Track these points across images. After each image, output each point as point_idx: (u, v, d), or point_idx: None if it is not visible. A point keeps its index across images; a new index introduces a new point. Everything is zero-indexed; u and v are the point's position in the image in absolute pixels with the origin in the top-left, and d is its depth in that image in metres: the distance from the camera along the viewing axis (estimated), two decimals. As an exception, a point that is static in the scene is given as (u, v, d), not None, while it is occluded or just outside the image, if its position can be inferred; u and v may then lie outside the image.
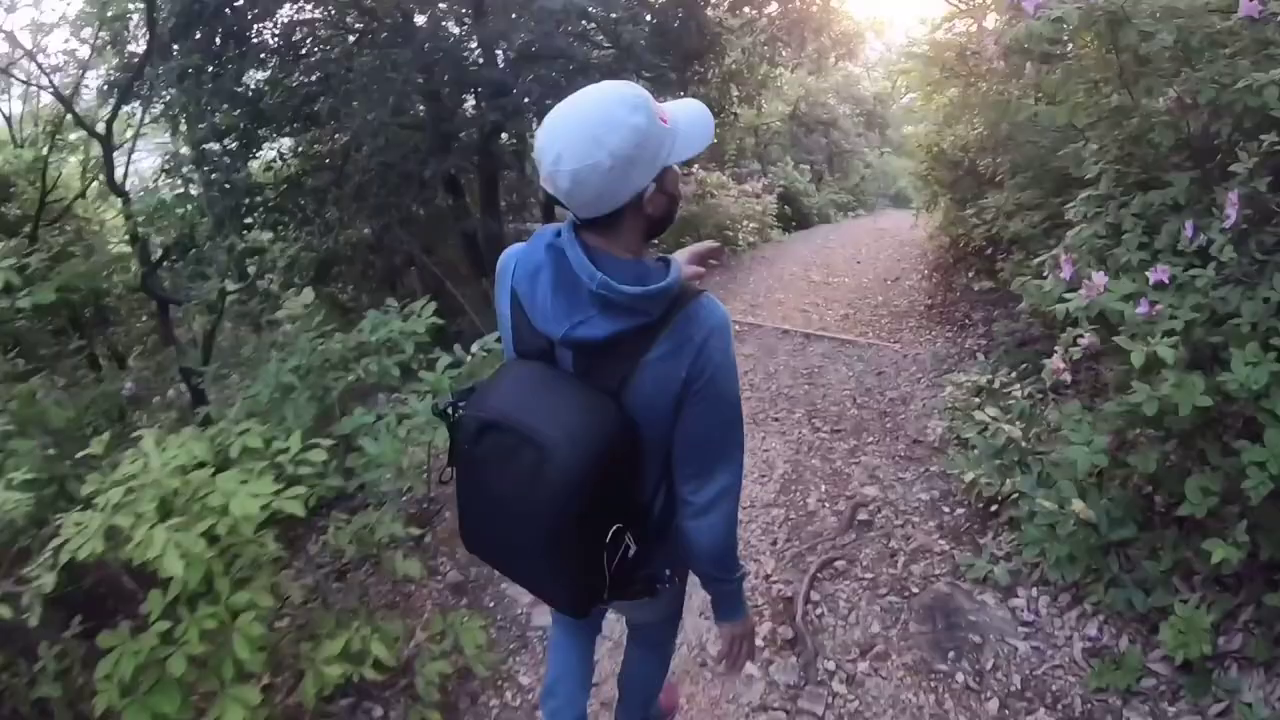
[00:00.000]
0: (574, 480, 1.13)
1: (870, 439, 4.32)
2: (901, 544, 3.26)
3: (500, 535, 1.30)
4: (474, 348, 3.24)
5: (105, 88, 7.66)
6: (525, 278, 1.23)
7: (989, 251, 6.27)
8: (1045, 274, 2.88)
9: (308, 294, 3.32)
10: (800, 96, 17.30)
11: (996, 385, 4.06)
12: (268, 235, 8.09)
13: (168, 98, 7.44)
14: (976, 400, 4.09)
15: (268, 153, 8.54)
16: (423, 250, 8.49)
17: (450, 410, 1.30)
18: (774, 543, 3.38)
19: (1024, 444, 3.26)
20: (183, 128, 7.95)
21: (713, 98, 9.35)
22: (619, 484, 1.21)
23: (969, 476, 3.31)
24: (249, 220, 7.57)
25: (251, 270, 6.26)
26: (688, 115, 1.22)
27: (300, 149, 8.83)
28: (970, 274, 6.75)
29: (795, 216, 14.32)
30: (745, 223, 10.90)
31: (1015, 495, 3.09)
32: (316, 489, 2.22)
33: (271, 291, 6.23)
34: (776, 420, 4.67)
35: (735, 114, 9.98)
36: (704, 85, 9.29)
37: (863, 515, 3.48)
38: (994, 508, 3.29)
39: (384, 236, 8.11)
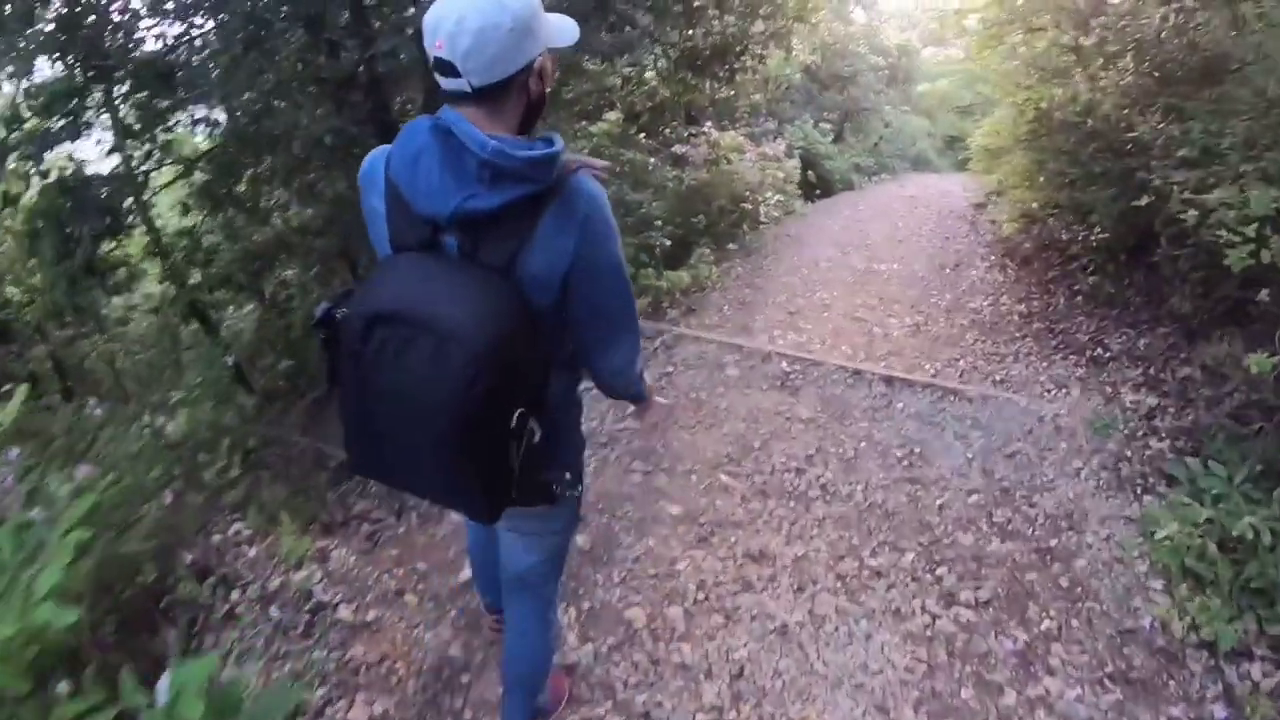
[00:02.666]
0: (480, 361, 1.11)
1: (1042, 623, 2.63)
2: None
3: (399, 443, 1.23)
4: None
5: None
6: (404, 165, 1.21)
7: (1133, 249, 4.62)
8: None
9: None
10: (819, 47, 15.36)
11: (1252, 534, 2.47)
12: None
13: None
14: (1214, 547, 2.52)
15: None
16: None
17: (328, 316, 1.25)
18: None
19: None
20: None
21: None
22: (520, 364, 1.20)
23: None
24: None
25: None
26: (555, 16, 1.25)
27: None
28: (1089, 276, 5.09)
29: (818, 182, 12.54)
30: (768, 193, 9.14)
31: None
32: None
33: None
34: (878, 576, 2.83)
35: (760, 57, 8.10)
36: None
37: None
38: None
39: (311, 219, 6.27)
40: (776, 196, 9.28)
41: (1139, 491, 3.29)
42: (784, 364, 4.51)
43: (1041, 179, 5.53)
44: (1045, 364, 4.58)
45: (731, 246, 8.12)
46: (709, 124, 8.72)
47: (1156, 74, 3.85)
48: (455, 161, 1.17)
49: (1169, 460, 3.41)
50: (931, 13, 19.04)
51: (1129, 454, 3.53)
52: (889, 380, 4.34)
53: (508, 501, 1.27)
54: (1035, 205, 6.03)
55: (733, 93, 8.45)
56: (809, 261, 7.51)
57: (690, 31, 7.27)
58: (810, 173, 11.83)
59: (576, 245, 1.21)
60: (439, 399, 1.12)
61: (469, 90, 1.16)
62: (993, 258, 7.41)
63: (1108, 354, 4.47)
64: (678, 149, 8.95)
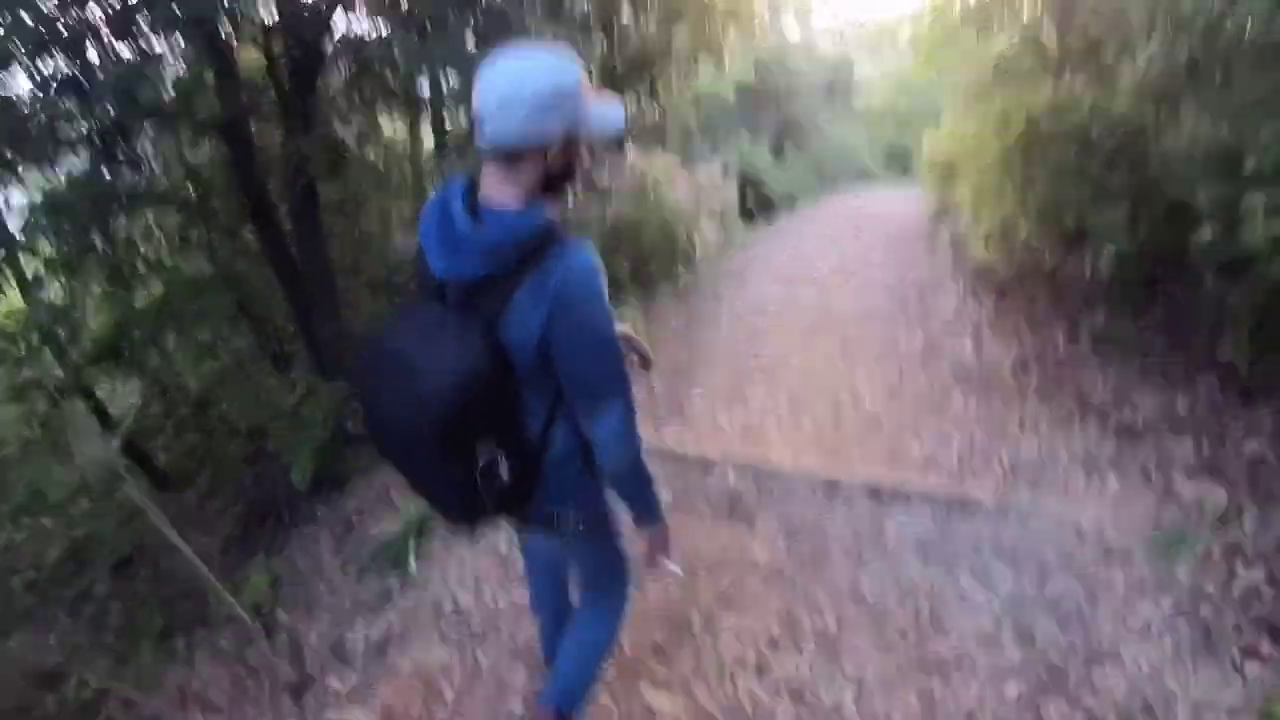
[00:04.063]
0: (440, 402, 1.27)
1: None
2: None
3: (397, 448, 1.42)
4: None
5: None
6: (424, 224, 1.39)
7: (1150, 278, 3.69)
8: None
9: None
10: (756, 62, 14.57)
11: None
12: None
13: None
14: None
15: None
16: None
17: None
18: None
19: None
20: None
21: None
22: (488, 413, 1.34)
23: None
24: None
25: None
26: (606, 105, 1.36)
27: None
28: (1096, 312, 4.13)
29: (757, 205, 11.62)
30: (702, 224, 8.14)
31: None
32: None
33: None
34: None
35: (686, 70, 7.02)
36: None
37: None
38: None
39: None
40: (710, 230, 8.26)
41: (1238, 659, 2.27)
42: (733, 475, 3.39)
43: (1024, 195, 4.59)
44: (1062, 434, 3.57)
45: (665, 289, 7.07)
46: (631, 149, 7.69)
47: (1188, 64, 2.92)
48: (448, 230, 1.33)
49: (1268, 599, 2.41)
50: (870, 23, 18.68)
51: (1210, 589, 2.51)
52: (875, 492, 3.20)
53: (483, 518, 1.45)
54: (1013, 223, 5.10)
55: (658, 112, 7.40)
56: (755, 303, 6.48)
57: (602, 41, 6.25)
58: (748, 196, 10.86)
59: (549, 315, 1.28)
60: (415, 426, 1.30)
61: (487, 146, 1.30)
62: (961, 284, 6.49)
63: (1140, 419, 3.48)
64: (601, 180, 7.92)
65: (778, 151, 14.61)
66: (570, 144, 1.31)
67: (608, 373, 1.37)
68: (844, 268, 7.80)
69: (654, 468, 1.48)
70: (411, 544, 3.72)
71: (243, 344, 6.97)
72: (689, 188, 8.20)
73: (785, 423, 4.01)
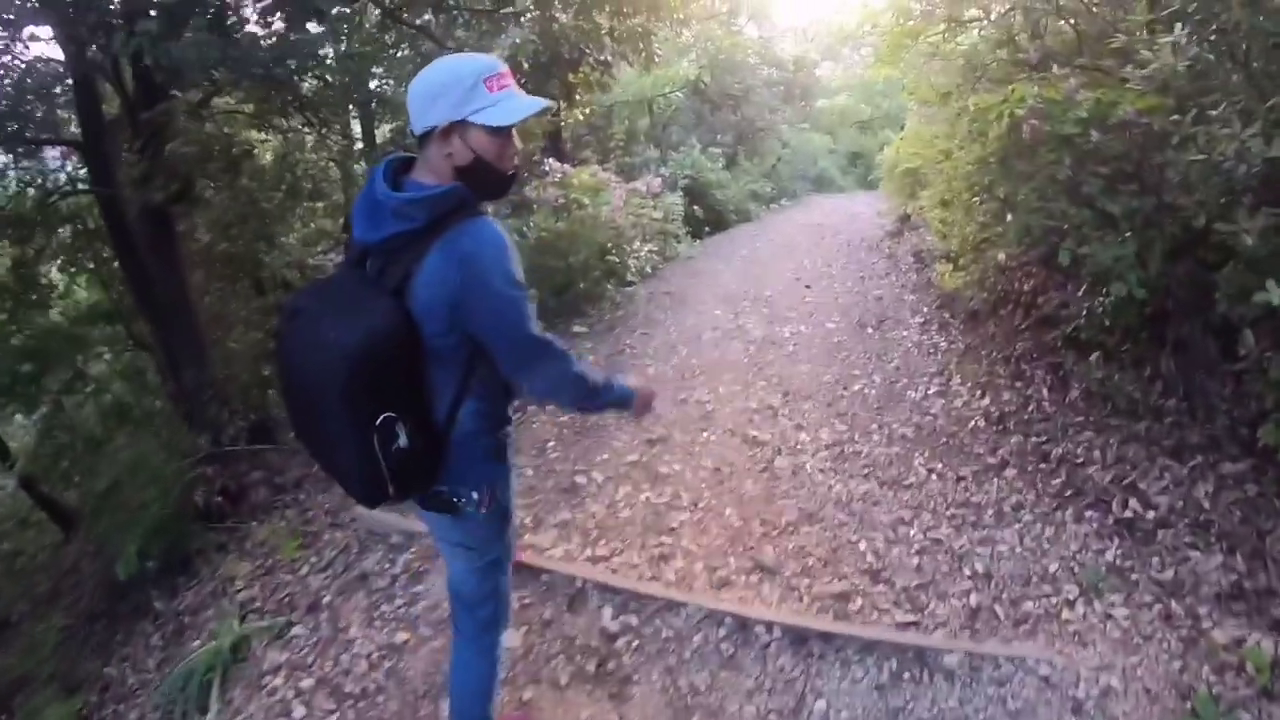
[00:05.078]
0: (345, 362, 1.29)
1: None
2: None
3: (306, 417, 1.46)
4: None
5: None
6: (357, 199, 1.45)
7: (1155, 317, 2.91)
8: None
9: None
10: (704, 66, 13.75)
11: None
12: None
13: None
14: None
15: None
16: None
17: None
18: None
19: None
20: None
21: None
22: (390, 375, 1.35)
23: None
24: None
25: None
26: (524, 97, 1.42)
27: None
28: (1091, 362, 3.33)
29: (707, 217, 10.79)
30: (637, 242, 7.27)
31: None
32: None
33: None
34: None
35: (604, 66, 6.01)
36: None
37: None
38: None
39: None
40: (648, 247, 7.39)
41: None
42: (608, 611, 2.47)
43: (1002, 211, 3.77)
44: (1049, 530, 2.75)
45: (590, 314, 6.19)
46: (551, 159, 6.79)
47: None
48: (371, 200, 1.40)
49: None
50: (832, 20, 17.86)
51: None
52: (800, 640, 2.29)
53: (384, 494, 1.40)
54: (987, 243, 4.29)
55: (581, 114, 6.49)
56: (689, 334, 5.62)
57: (501, 36, 5.36)
58: (696, 207, 10.02)
59: (459, 281, 1.33)
60: (320, 383, 1.32)
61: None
62: (926, 309, 5.71)
63: (1150, 514, 2.67)
64: (526, 192, 7.02)
65: (731, 158, 13.80)
66: (465, 133, 1.37)
67: (528, 334, 1.40)
68: (795, 286, 6.99)
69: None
70: (217, 678, 2.84)
71: (121, 387, 6.28)
72: (625, 202, 7.33)
73: (701, 511, 3.13)
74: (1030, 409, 3.60)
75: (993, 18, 4.75)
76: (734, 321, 5.93)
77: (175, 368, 5.00)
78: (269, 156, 6.52)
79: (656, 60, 5.75)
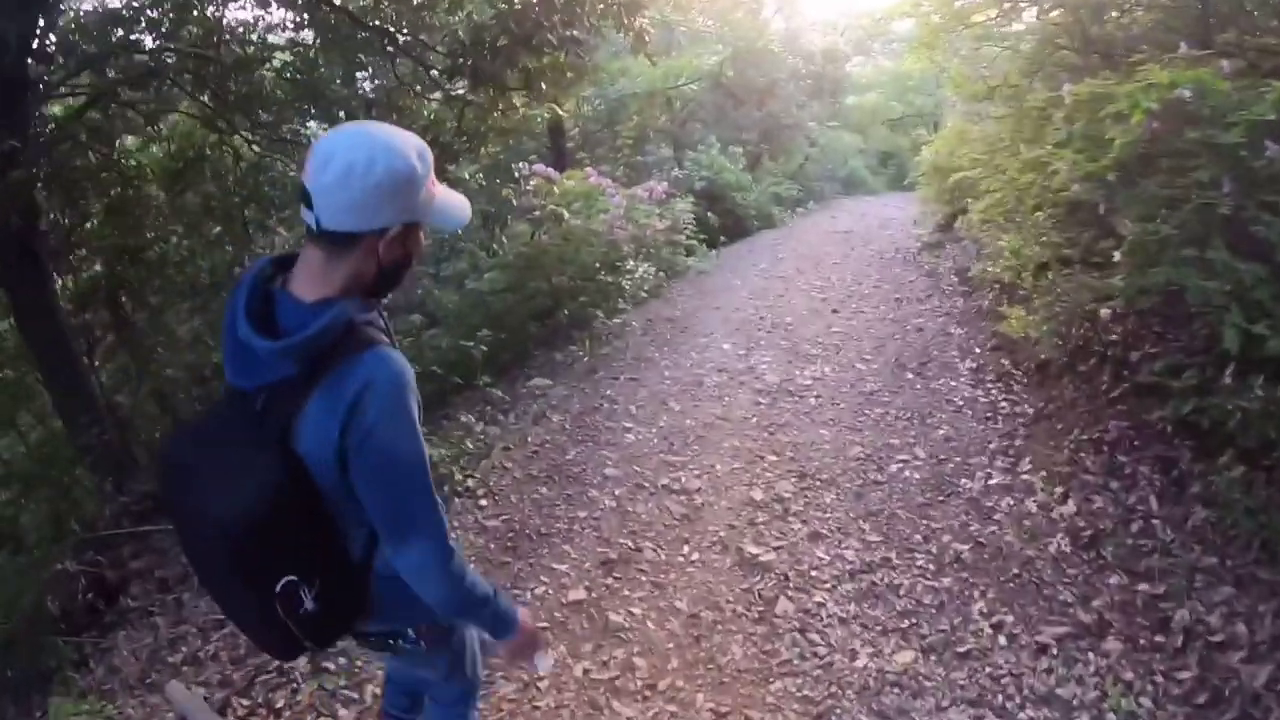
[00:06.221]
0: (225, 542, 1.08)
1: None
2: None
3: (204, 574, 1.29)
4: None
5: None
6: (226, 314, 1.19)
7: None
8: None
9: None
10: (726, 57, 12.67)
11: None
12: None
13: None
14: None
15: None
16: None
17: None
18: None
19: None
20: None
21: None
22: (284, 537, 1.12)
23: None
24: None
25: None
26: (451, 197, 1.21)
27: None
28: (1232, 463, 2.30)
29: (725, 223, 9.76)
30: (632, 261, 6.28)
31: None
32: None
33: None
34: None
35: (570, 47, 4.84)
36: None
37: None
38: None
39: None
40: (646, 266, 6.40)
41: None
42: None
43: (1095, 237, 2.72)
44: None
45: (570, 350, 5.22)
46: (533, 162, 5.82)
47: None
48: (235, 340, 1.13)
49: None
50: (864, 12, 16.58)
51: None
52: None
53: (300, 649, 1.24)
54: (1066, 275, 3.23)
55: (551, 111, 5.46)
56: (687, 379, 4.63)
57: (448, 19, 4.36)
58: (711, 214, 9.02)
59: (342, 429, 1.08)
60: (208, 553, 1.14)
61: (315, 228, 1.09)
62: (979, 350, 4.67)
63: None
64: (514, 199, 6.08)
65: (754, 158, 12.73)
66: (408, 235, 1.15)
67: (411, 505, 1.15)
68: (821, 310, 5.99)
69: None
70: None
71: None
72: (623, 213, 6.34)
73: (661, 701, 2.16)
74: (1134, 528, 2.58)
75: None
76: (744, 360, 4.95)
77: (66, 422, 4.17)
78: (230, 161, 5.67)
79: (648, 39, 4.67)
